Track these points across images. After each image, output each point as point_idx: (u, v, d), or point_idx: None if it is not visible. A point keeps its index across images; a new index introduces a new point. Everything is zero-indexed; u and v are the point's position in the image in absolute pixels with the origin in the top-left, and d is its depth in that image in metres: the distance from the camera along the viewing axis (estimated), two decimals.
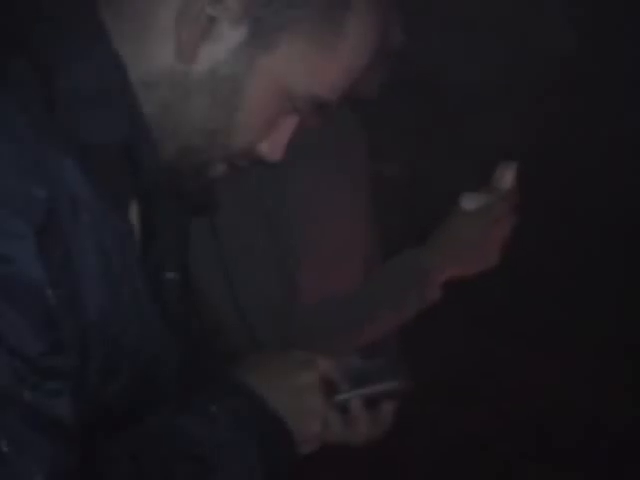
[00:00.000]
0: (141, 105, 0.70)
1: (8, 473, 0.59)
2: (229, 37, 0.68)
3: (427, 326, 1.36)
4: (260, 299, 1.18)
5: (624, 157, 2.43)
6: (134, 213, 0.76)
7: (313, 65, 0.71)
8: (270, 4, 0.67)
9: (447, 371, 2.39)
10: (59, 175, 0.65)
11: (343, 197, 1.25)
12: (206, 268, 1.00)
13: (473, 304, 2.28)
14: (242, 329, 1.13)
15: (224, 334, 0.99)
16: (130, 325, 0.72)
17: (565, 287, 2.50)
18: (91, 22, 0.68)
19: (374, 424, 0.91)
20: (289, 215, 1.22)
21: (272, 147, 0.77)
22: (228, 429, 0.77)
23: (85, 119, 0.67)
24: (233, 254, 1.12)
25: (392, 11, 1.14)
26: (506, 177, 1.18)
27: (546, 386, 2.39)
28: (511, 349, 2.49)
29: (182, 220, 0.83)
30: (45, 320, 0.62)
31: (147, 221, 0.77)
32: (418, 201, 1.93)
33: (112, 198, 0.70)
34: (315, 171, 1.21)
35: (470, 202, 1.20)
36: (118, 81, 0.69)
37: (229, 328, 1.11)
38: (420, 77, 1.71)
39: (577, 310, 2.42)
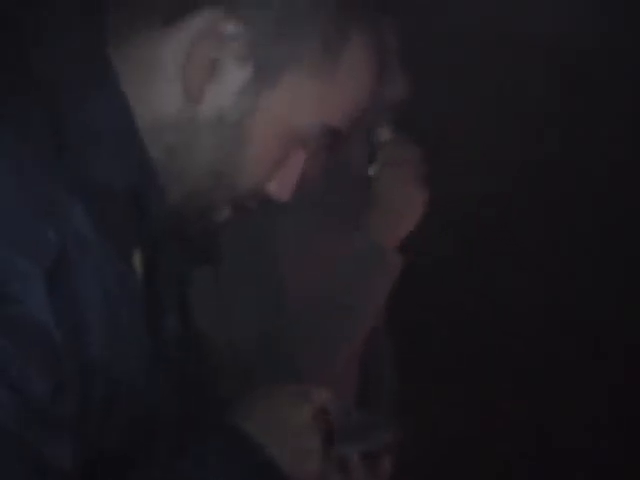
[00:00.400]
0: (148, 149, 0.70)
1: None
2: (234, 77, 0.70)
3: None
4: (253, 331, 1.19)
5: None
6: (138, 259, 0.76)
7: (316, 96, 0.72)
8: (272, 42, 0.69)
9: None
10: (68, 217, 0.65)
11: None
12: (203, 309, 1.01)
13: None
14: (236, 367, 1.14)
15: (223, 380, 0.99)
16: (130, 368, 0.72)
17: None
18: (101, 65, 0.69)
19: (373, 477, 0.89)
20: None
21: (281, 186, 0.77)
22: (226, 478, 0.77)
23: (93, 164, 0.68)
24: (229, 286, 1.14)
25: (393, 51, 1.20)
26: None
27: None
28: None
29: (185, 267, 0.83)
30: (50, 362, 0.62)
31: (150, 267, 0.77)
32: None
33: (117, 243, 0.70)
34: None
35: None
36: (126, 125, 0.69)
37: (227, 374, 1.11)
38: None
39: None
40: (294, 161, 0.76)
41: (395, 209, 1.29)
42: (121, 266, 0.71)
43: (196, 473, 0.76)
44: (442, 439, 2.21)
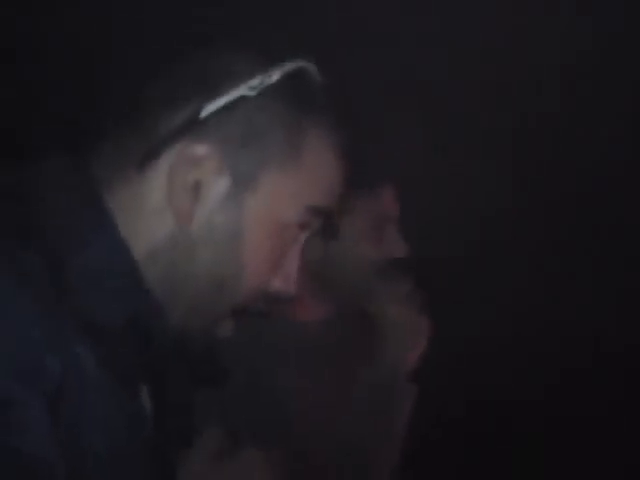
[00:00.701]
0: (147, 280, 0.74)
1: None
2: (215, 192, 0.76)
3: None
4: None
5: None
6: (144, 391, 0.79)
7: (292, 187, 0.78)
8: (241, 153, 0.76)
9: None
10: (71, 353, 0.68)
11: None
12: None
13: None
14: None
15: None
16: None
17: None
18: (97, 211, 0.74)
19: None
20: None
21: (284, 281, 0.81)
22: None
23: (95, 305, 0.71)
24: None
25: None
26: None
27: None
28: None
29: (190, 392, 0.85)
30: None
31: (158, 399, 0.79)
32: None
33: (121, 378, 0.73)
34: None
35: None
36: (126, 265, 0.74)
37: None
38: None
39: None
40: (292, 253, 0.81)
41: (403, 344, 1.35)
42: (126, 399, 0.75)
43: None
44: None
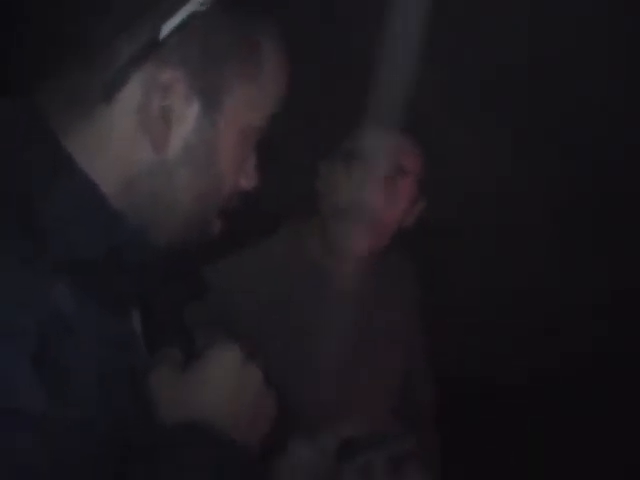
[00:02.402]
0: (128, 211, 0.76)
1: None
2: (188, 114, 0.78)
3: None
4: None
5: None
6: (136, 316, 0.81)
7: (258, 98, 0.82)
8: (206, 74, 0.78)
9: None
10: (48, 299, 0.69)
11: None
12: None
13: None
14: None
15: None
16: (137, 432, 0.75)
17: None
18: (54, 152, 0.74)
19: None
20: None
21: (249, 177, 0.88)
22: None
23: (70, 241, 0.72)
24: None
25: None
26: None
27: None
28: None
29: (178, 306, 0.89)
30: (48, 444, 0.65)
31: (148, 316, 0.82)
32: None
33: (109, 307, 0.75)
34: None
35: None
36: (93, 197, 0.74)
37: None
38: None
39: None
40: (250, 154, 0.87)
41: None
42: (117, 328, 0.77)
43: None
44: None
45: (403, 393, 1.52)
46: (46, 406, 0.64)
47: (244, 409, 0.82)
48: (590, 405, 2.23)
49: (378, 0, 1.39)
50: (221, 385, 0.81)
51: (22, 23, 0.77)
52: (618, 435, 2.18)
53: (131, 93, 0.75)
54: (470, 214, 2.22)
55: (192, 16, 0.76)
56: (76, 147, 0.74)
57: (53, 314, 0.68)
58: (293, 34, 0.86)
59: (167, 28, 0.75)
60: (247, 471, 0.79)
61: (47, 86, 0.76)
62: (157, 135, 0.76)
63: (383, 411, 1.46)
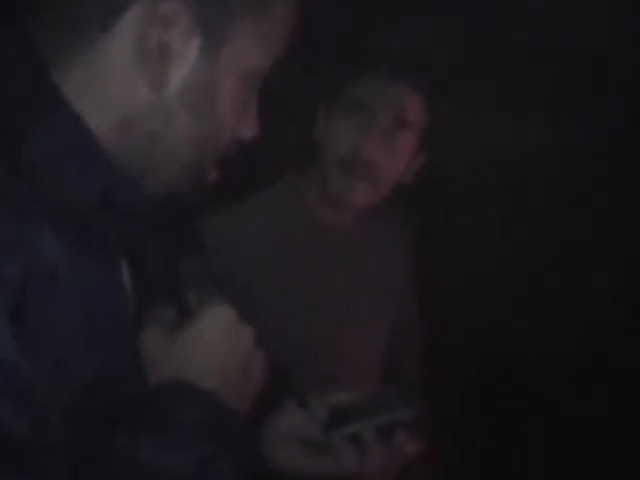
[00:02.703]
0: (125, 150, 0.73)
1: None
2: (187, 52, 0.73)
3: None
4: None
5: None
6: (124, 266, 0.78)
7: (262, 36, 0.77)
8: (209, 7, 0.73)
9: None
10: (32, 246, 0.65)
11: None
12: None
13: None
14: None
15: None
16: (121, 387, 0.72)
17: None
18: (47, 91, 0.70)
19: (389, 454, 0.89)
20: None
21: (250, 126, 0.83)
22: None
23: (61, 182, 0.68)
24: None
25: None
26: None
27: None
28: None
29: (171, 261, 0.85)
30: (25, 398, 0.62)
31: (139, 271, 0.79)
32: None
33: (96, 257, 0.72)
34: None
35: None
36: (83, 136, 0.71)
37: None
38: None
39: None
40: (252, 100, 0.83)
41: None
42: (104, 278, 0.74)
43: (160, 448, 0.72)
44: None
45: (391, 349, 1.51)
46: (19, 359, 0.61)
47: (235, 369, 0.80)
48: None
49: None
50: (212, 344, 0.78)
51: None
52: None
53: (129, 24, 0.71)
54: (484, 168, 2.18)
55: None
56: (69, 80, 0.71)
57: (37, 262, 0.65)
58: None
59: None
60: (236, 432, 0.76)
61: (43, 14, 0.72)
62: (154, 72, 0.72)
63: (375, 371, 1.46)
